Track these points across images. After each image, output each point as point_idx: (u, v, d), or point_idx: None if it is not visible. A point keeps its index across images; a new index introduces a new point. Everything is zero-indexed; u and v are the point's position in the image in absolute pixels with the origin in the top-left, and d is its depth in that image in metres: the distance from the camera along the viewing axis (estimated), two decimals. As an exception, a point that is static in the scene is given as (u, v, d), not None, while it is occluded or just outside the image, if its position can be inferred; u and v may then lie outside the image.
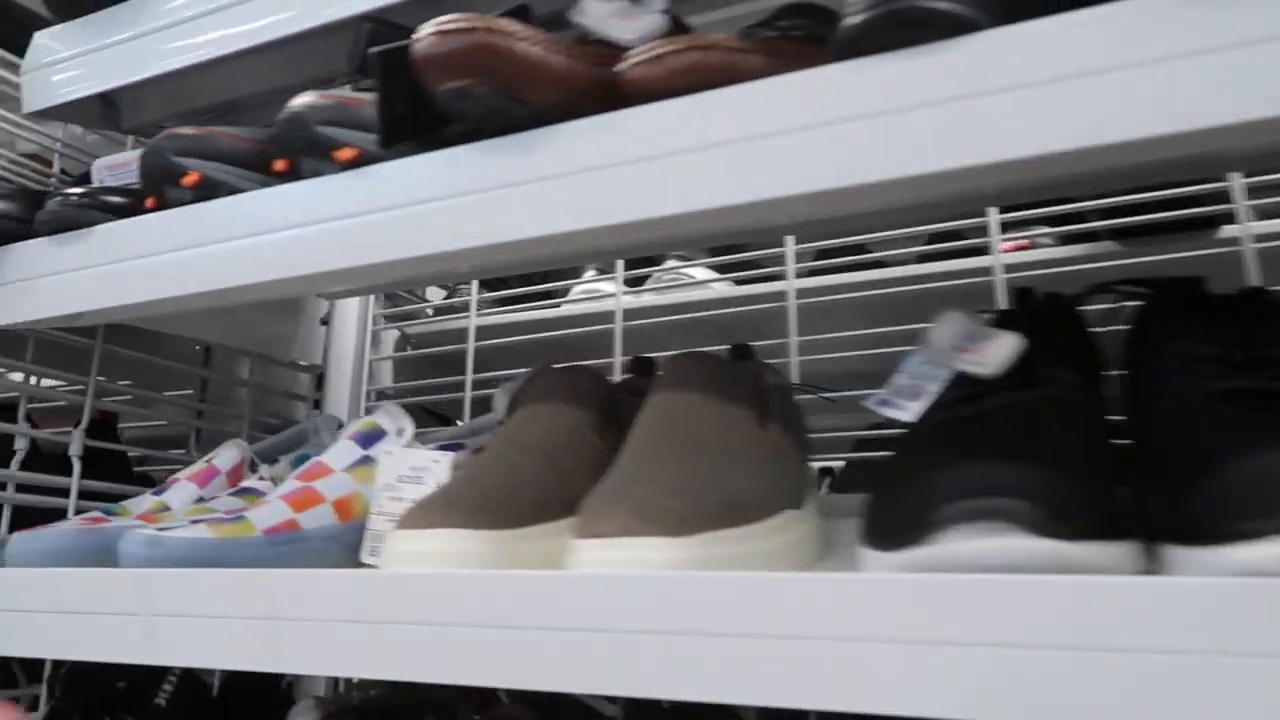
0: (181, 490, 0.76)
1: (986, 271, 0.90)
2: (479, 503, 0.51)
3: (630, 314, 1.06)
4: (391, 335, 1.21)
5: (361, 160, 0.59)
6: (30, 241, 0.71)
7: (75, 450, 0.89)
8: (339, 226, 0.59)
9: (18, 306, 0.73)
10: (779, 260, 1.01)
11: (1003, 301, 0.87)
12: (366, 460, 0.69)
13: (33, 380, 0.95)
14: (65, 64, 0.80)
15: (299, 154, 0.60)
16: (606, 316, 1.06)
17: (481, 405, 1.06)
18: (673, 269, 1.09)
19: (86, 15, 0.79)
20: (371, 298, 1.17)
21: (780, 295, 1.00)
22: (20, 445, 0.90)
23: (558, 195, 0.51)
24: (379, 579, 0.51)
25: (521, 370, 0.95)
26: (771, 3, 0.56)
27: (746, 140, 0.46)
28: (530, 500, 0.53)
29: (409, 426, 0.72)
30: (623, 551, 0.44)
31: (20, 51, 0.83)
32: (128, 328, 0.95)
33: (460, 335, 1.15)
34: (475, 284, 1.09)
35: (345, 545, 0.64)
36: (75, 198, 0.67)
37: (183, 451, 1.04)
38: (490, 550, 0.49)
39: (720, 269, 1.10)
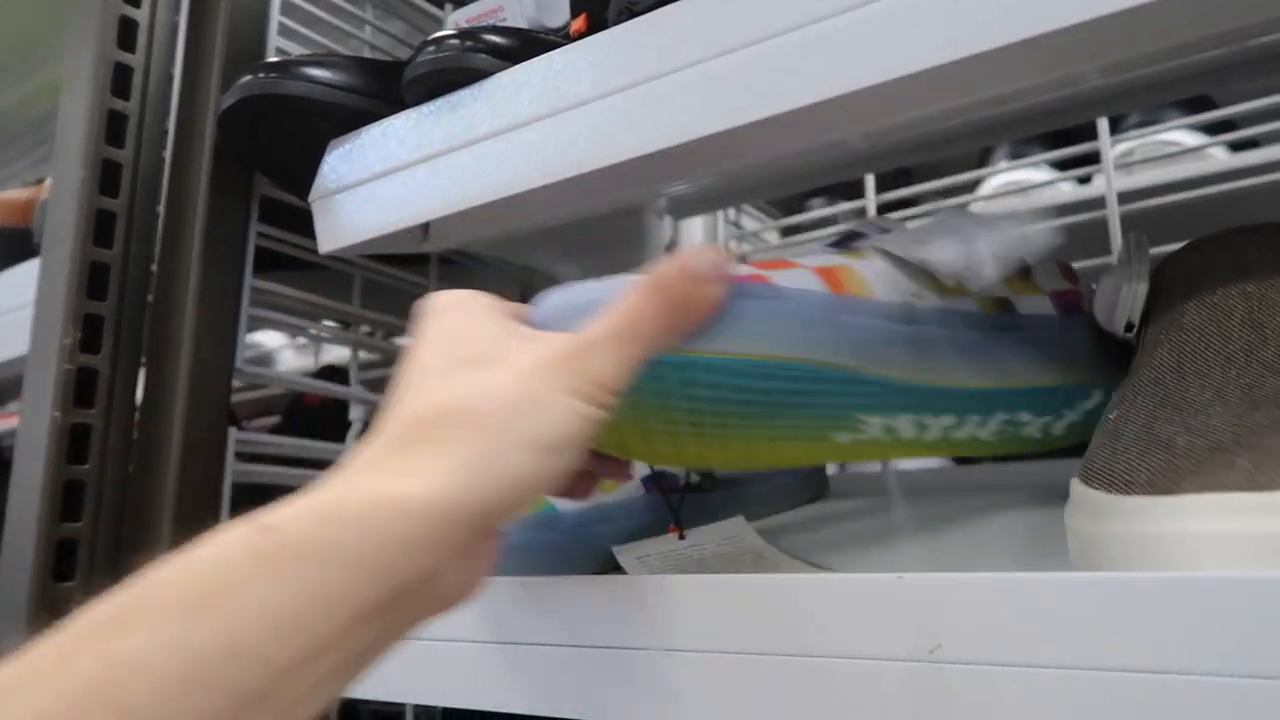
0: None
1: None
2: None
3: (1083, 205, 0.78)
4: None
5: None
6: (389, 121, 0.52)
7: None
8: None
9: (361, 218, 0.54)
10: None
11: None
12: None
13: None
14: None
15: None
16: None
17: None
18: (1151, 135, 0.79)
19: None
20: (721, 218, 0.94)
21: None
22: (357, 415, 0.74)
23: None
24: (1167, 585, 0.26)
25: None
26: None
27: None
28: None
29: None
30: None
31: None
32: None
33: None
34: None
35: (837, 329, 0.37)
36: (455, 41, 0.47)
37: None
38: None
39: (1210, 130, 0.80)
